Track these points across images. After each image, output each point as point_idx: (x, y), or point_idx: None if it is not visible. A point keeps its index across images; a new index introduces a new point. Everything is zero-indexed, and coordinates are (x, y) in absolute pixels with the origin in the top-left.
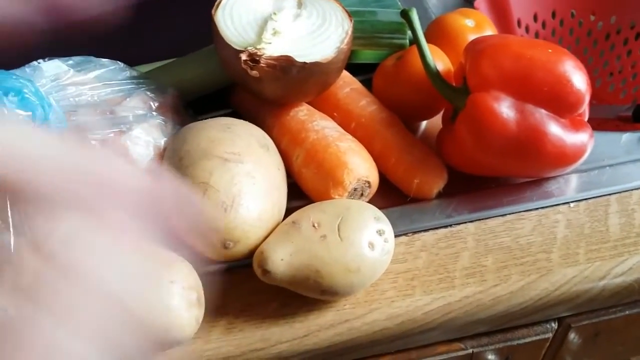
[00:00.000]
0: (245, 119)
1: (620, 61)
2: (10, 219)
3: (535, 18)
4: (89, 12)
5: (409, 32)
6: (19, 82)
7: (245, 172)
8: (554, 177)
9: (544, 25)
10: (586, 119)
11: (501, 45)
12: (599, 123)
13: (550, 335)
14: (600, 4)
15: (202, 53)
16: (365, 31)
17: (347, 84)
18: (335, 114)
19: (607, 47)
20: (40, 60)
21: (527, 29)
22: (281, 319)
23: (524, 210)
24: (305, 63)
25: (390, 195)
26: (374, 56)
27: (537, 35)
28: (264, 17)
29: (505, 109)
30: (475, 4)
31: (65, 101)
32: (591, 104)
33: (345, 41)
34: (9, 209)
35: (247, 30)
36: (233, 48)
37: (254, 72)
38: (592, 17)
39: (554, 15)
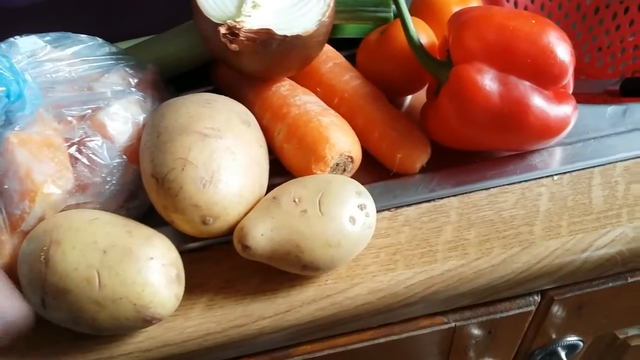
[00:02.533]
0: (227, 95)
1: (608, 36)
2: None
3: None
4: None
5: (393, 6)
6: None
7: (225, 148)
8: (537, 150)
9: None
10: (570, 91)
11: (484, 17)
12: (587, 98)
13: (533, 308)
14: None
15: (182, 28)
16: (348, 4)
17: (330, 59)
18: (318, 89)
19: (595, 22)
20: (17, 37)
21: (515, 4)
22: (263, 294)
23: (508, 183)
24: (285, 36)
25: (373, 170)
26: (357, 30)
27: (526, 9)
28: None
29: (488, 81)
30: None
31: (42, 77)
32: (579, 78)
33: (327, 14)
34: None
35: (226, 3)
36: (212, 22)
37: (234, 46)
38: None
39: None
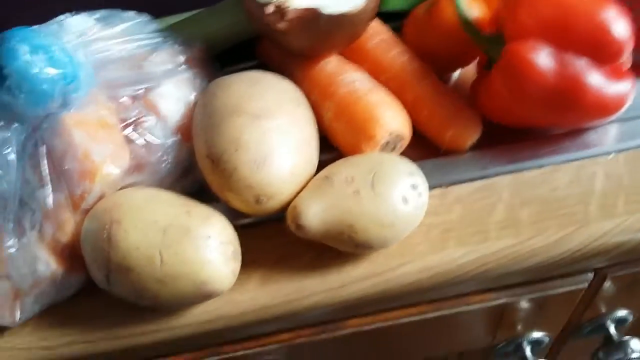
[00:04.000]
0: (273, 71)
1: None
2: None
3: None
4: None
5: None
6: (48, 40)
7: (276, 128)
8: (592, 127)
9: None
10: (629, 66)
11: None
12: None
13: (585, 285)
14: None
15: (227, 4)
16: None
17: (377, 34)
18: (365, 65)
19: None
20: (66, 14)
21: None
22: (315, 270)
23: (562, 161)
24: (332, 15)
25: (422, 147)
26: (404, 3)
27: None
28: None
29: (544, 59)
30: None
31: (92, 57)
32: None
33: None
34: None
35: None
36: (258, 1)
37: (280, 26)
38: None
39: None
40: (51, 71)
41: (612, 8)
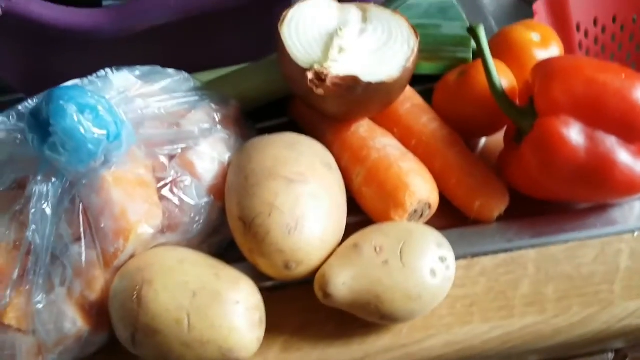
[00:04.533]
0: (304, 131)
1: None
2: None
3: (595, 22)
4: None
5: (473, 44)
6: (94, 99)
7: (309, 193)
8: (618, 204)
9: (603, 29)
10: None
11: (573, 69)
12: None
13: None
14: None
15: (263, 63)
16: (428, 44)
17: (408, 99)
18: (395, 129)
19: None
20: (108, 70)
21: (586, 34)
22: (338, 339)
23: (587, 237)
24: (370, 83)
25: (448, 214)
26: (435, 68)
27: (596, 40)
28: (329, 32)
29: (575, 135)
30: (534, 6)
31: (133, 114)
32: None
33: (411, 60)
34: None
35: (312, 46)
36: (299, 65)
37: (320, 91)
38: None
39: (614, 19)
40: (97, 131)
41: None
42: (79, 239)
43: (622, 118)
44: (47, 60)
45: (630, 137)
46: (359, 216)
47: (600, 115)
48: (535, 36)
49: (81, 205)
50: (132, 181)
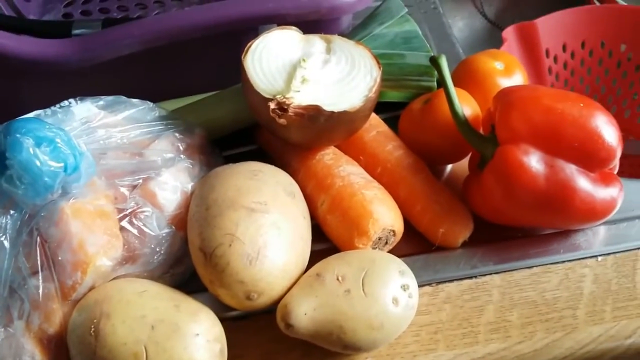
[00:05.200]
0: (270, 159)
1: None
2: None
3: (564, 48)
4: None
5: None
6: (52, 132)
7: (271, 223)
8: (582, 229)
9: (572, 55)
10: (616, 171)
11: (532, 98)
12: (630, 165)
13: None
14: (631, 33)
15: (229, 92)
16: (392, 73)
17: (374, 127)
18: (361, 157)
19: (636, 78)
20: (72, 101)
21: (555, 59)
22: None
23: (551, 262)
24: (333, 112)
25: (413, 241)
26: (400, 96)
27: (565, 65)
28: (292, 62)
29: (535, 163)
30: (504, 33)
31: (94, 144)
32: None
33: (374, 89)
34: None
35: (275, 77)
36: (261, 95)
37: (282, 121)
38: (623, 47)
39: (583, 45)
40: (53, 164)
41: (601, 116)
42: (36, 272)
43: (580, 146)
44: (10, 90)
45: (589, 165)
46: (325, 244)
47: (560, 143)
48: (498, 65)
49: (39, 237)
50: (91, 212)
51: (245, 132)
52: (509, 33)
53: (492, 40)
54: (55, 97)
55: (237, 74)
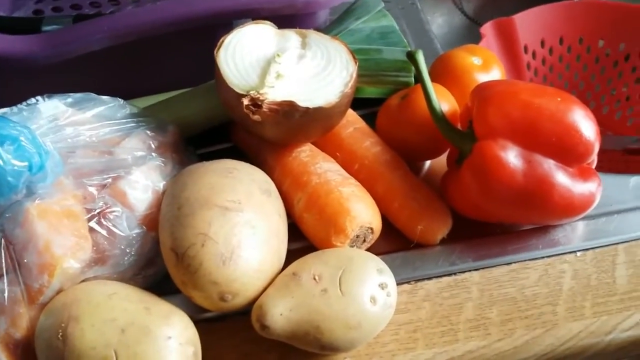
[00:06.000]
0: (245, 157)
1: (628, 89)
2: None
3: (542, 44)
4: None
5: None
6: (16, 130)
7: (245, 222)
8: (560, 225)
9: (551, 51)
10: (594, 166)
11: (509, 93)
12: (609, 160)
13: None
14: (609, 30)
15: (202, 89)
16: (369, 69)
17: (351, 123)
18: (338, 153)
19: (615, 75)
20: (39, 98)
21: (533, 55)
22: None
23: (530, 259)
24: (308, 108)
25: (392, 238)
26: (377, 92)
27: (543, 61)
28: (267, 57)
29: (513, 158)
30: (482, 29)
31: (62, 143)
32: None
33: (350, 85)
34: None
35: (249, 72)
36: (235, 91)
37: (256, 117)
38: (601, 43)
39: (561, 41)
40: (17, 163)
41: (578, 110)
42: (1, 275)
43: (558, 141)
44: None
45: (567, 159)
46: (302, 242)
47: (537, 138)
48: (476, 60)
49: (3, 239)
50: (58, 213)
51: (219, 130)
52: (487, 29)
53: (471, 36)
54: (24, 95)
55: (211, 70)
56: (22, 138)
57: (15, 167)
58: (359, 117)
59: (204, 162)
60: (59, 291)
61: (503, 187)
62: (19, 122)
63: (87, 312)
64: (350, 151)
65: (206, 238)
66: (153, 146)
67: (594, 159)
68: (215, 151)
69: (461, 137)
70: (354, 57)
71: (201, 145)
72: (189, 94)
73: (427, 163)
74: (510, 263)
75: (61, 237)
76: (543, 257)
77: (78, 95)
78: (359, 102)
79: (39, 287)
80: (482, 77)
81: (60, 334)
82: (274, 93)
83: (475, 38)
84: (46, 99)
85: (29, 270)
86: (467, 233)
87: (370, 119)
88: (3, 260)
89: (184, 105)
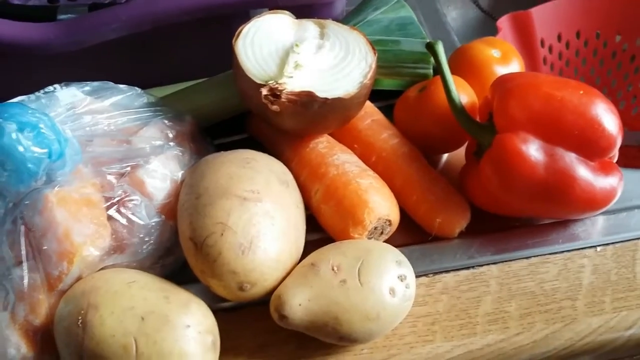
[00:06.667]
0: (262, 147)
1: None
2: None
3: (559, 38)
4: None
5: (433, 61)
6: (35, 117)
7: (264, 212)
8: (580, 219)
9: (567, 45)
10: (616, 160)
11: (531, 85)
12: (624, 156)
13: None
14: (627, 24)
15: (219, 79)
16: (388, 60)
17: (369, 115)
18: (355, 145)
19: (631, 70)
20: (57, 86)
21: (550, 49)
22: None
23: (549, 253)
24: (326, 99)
25: (410, 231)
26: (396, 84)
27: (560, 56)
28: (285, 47)
29: (534, 151)
30: (498, 22)
31: (80, 131)
32: None
33: (369, 76)
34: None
35: (267, 62)
36: (253, 81)
37: (275, 107)
38: (618, 38)
39: (578, 35)
40: (37, 150)
41: (601, 104)
42: (21, 262)
43: (580, 135)
44: None
45: (589, 153)
46: (319, 234)
47: (559, 131)
48: (495, 52)
49: (23, 226)
50: (77, 201)
51: (236, 120)
52: (503, 22)
53: (486, 30)
54: (40, 83)
55: (228, 59)
56: (41, 125)
57: (35, 154)
58: (376, 109)
59: (222, 152)
60: (78, 278)
61: (524, 181)
62: (38, 110)
63: (107, 299)
64: (367, 143)
65: (225, 227)
66: (171, 135)
67: (615, 153)
68: (231, 142)
69: (481, 129)
70: (372, 48)
71: (217, 135)
72: (204, 84)
73: (445, 156)
74: (530, 257)
75: (80, 225)
76: (563, 252)
77: (95, 83)
78: (376, 94)
79: (58, 274)
80: (501, 70)
81: (80, 321)
82: (293, 83)
83: (490, 32)
84: (64, 87)
85: (49, 257)
86: (486, 226)
87: (387, 111)
88: (23, 247)
89: (200, 95)
